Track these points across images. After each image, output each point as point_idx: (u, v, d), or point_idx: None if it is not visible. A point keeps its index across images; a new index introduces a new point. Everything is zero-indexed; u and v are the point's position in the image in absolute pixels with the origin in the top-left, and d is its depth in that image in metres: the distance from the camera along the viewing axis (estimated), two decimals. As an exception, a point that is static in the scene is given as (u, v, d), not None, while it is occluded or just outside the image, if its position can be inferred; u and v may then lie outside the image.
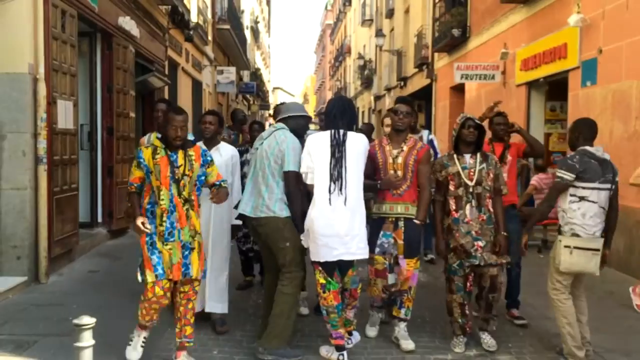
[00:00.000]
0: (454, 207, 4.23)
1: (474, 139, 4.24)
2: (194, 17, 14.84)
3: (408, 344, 4.30)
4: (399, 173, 4.27)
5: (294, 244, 4.04)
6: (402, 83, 20.96)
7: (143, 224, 3.73)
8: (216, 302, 4.68)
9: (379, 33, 23.85)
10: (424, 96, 18.08)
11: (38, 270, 6.02)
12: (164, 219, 3.78)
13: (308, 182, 3.96)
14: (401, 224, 4.26)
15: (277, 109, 4.61)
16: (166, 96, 12.22)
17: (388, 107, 19.06)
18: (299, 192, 4.03)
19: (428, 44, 17.03)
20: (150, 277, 3.76)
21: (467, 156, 4.28)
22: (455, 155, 4.31)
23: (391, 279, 4.43)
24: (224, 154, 4.83)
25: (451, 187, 4.25)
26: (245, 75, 28.73)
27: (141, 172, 3.84)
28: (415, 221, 4.25)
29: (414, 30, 18.88)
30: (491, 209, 4.23)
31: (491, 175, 4.23)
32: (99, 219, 8.35)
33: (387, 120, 5.11)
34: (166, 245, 3.80)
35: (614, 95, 7.29)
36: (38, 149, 5.98)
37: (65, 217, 6.63)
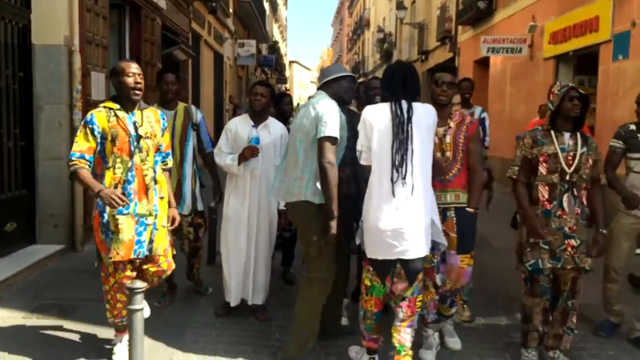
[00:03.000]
0: (546, 196, 3.49)
1: (578, 113, 3.48)
2: (216, -11, 14.78)
3: (455, 342, 3.86)
4: (448, 154, 3.61)
5: (322, 240, 3.38)
6: (424, 57, 20.76)
7: (121, 196, 3.17)
8: (260, 292, 4.32)
9: (400, 6, 23.55)
10: (446, 70, 17.89)
11: (75, 239, 6.17)
12: (119, 191, 3.26)
13: (362, 162, 3.34)
14: (451, 214, 3.59)
15: (318, 76, 3.80)
16: (190, 69, 12.29)
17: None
18: (334, 167, 3.28)
19: (452, 16, 16.81)
20: (106, 260, 3.37)
21: (567, 135, 3.51)
22: (553, 132, 3.53)
23: (438, 279, 3.68)
24: (273, 131, 4.27)
25: (542, 170, 3.50)
26: (264, 48, 28.64)
27: (94, 140, 3.26)
28: (469, 209, 3.61)
29: (437, 3, 18.63)
30: (585, 202, 3.53)
31: (590, 162, 3.51)
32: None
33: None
34: (117, 219, 3.30)
35: (647, 70, 7.19)
36: (74, 120, 6.07)
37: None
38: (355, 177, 3.85)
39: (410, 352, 3.29)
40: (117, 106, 3.34)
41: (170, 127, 4.26)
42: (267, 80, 33.19)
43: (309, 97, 3.75)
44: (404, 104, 3.19)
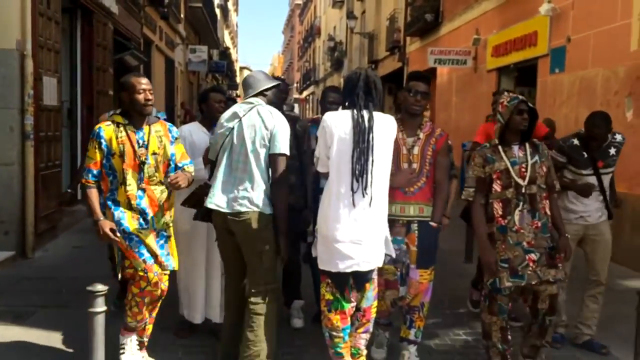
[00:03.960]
0: (500, 213, 3.38)
1: (526, 127, 3.39)
2: (167, -5, 14.73)
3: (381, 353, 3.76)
4: (415, 166, 3.51)
5: (273, 249, 3.33)
6: (373, 66, 21.19)
7: (113, 231, 3.26)
8: (219, 308, 4.06)
9: (351, 15, 23.99)
10: (395, 80, 18.39)
11: (25, 245, 6.10)
12: (133, 204, 3.31)
13: (319, 169, 3.24)
14: (414, 227, 3.51)
15: (246, 83, 3.60)
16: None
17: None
18: (286, 183, 3.32)
19: (400, 27, 17.28)
20: (139, 265, 3.31)
21: (515, 148, 3.42)
22: (500, 147, 3.42)
23: (402, 291, 3.59)
24: None
25: (496, 188, 3.40)
26: (215, 54, 28.53)
27: (100, 154, 3.28)
28: (432, 224, 3.53)
29: (386, 14, 19.10)
30: (548, 212, 3.42)
31: (544, 170, 3.43)
32: (79, 196, 8.38)
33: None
34: (140, 232, 3.34)
35: (581, 82, 7.69)
36: (25, 124, 6.03)
37: (50, 194, 6.70)
38: (301, 186, 3.91)
39: (364, 353, 3.33)
40: (125, 121, 3.31)
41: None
42: (219, 85, 33.02)
43: (244, 103, 3.49)
44: (366, 113, 3.07)
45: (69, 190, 6.48)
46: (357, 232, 3.03)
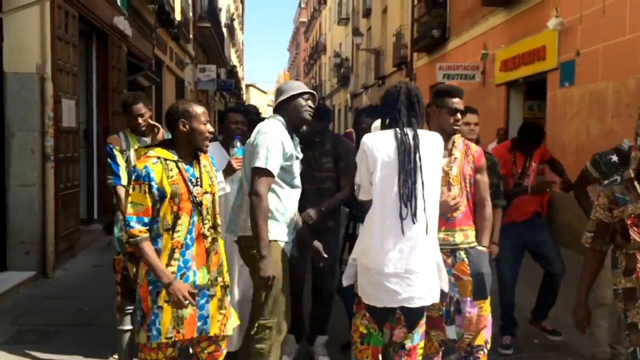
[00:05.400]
0: None
1: None
2: (177, 16, 14.98)
3: None
4: (456, 190, 3.11)
5: (267, 280, 2.95)
6: (380, 81, 21.37)
7: (192, 294, 2.68)
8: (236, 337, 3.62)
9: (357, 32, 24.26)
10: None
11: (46, 265, 6.18)
12: (176, 256, 2.72)
13: (361, 197, 2.93)
14: (462, 255, 3.09)
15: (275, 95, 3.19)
16: (153, 94, 12.40)
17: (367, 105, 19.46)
18: (261, 200, 2.92)
19: (407, 43, 17.45)
20: (142, 339, 2.72)
21: None
22: (638, 184, 2.59)
23: (451, 332, 3.10)
24: None
25: (635, 237, 2.57)
26: (222, 72, 28.80)
27: (151, 199, 2.68)
28: (481, 248, 3.15)
29: (392, 30, 19.29)
30: None
31: None
32: (95, 216, 8.50)
33: (469, 117, 3.80)
34: None
35: (591, 96, 7.75)
36: (46, 146, 6.14)
37: (69, 213, 6.80)
38: (335, 211, 3.75)
39: None
40: (174, 156, 2.75)
41: None
42: (226, 103, 33.29)
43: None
44: (409, 131, 2.80)
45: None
46: (406, 263, 2.73)
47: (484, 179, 3.23)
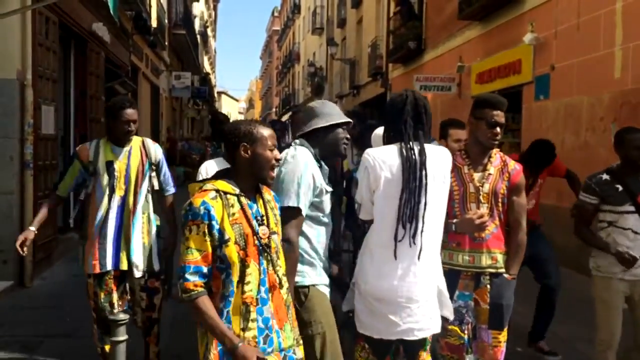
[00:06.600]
0: None
1: None
2: (153, 22, 14.89)
3: None
4: (485, 208, 2.90)
5: (323, 329, 2.61)
6: (355, 91, 21.54)
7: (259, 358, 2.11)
8: None
9: (331, 42, 24.40)
10: (376, 104, 18.70)
11: (24, 274, 6.05)
12: (252, 316, 2.19)
13: (361, 216, 2.72)
14: (486, 280, 2.91)
15: (297, 118, 2.86)
16: (129, 101, 12.26)
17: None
18: (293, 248, 2.53)
19: (382, 54, 17.64)
20: None
21: None
22: None
23: None
24: None
25: None
26: (196, 80, 28.66)
27: (211, 243, 2.15)
28: (506, 276, 2.93)
29: (368, 41, 19.49)
30: None
31: None
32: (71, 224, 8.34)
33: (459, 133, 3.70)
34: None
35: (566, 109, 7.97)
36: (25, 154, 6.04)
37: (47, 221, 6.59)
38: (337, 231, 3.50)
39: None
40: (236, 189, 2.24)
41: (124, 168, 3.56)
42: (199, 110, 33.06)
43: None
44: (416, 145, 2.55)
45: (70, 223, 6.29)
46: (403, 291, 2.51)
47: (520, 200, 2.98)
